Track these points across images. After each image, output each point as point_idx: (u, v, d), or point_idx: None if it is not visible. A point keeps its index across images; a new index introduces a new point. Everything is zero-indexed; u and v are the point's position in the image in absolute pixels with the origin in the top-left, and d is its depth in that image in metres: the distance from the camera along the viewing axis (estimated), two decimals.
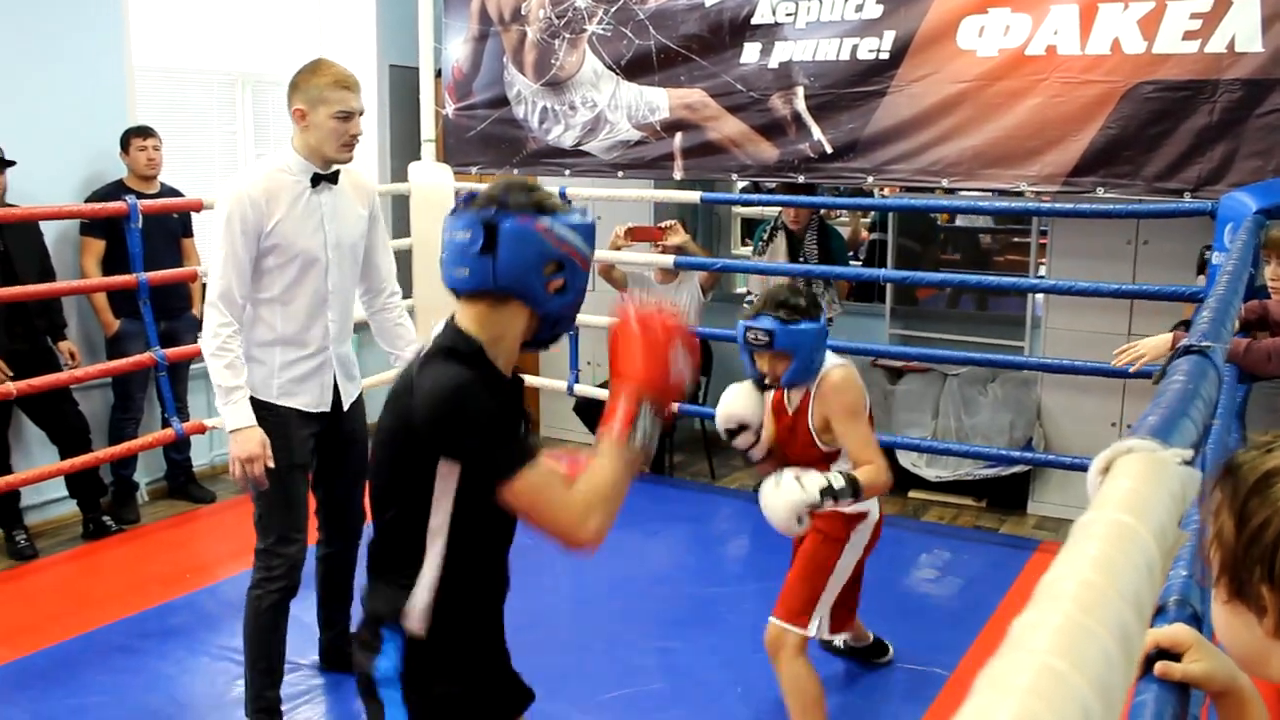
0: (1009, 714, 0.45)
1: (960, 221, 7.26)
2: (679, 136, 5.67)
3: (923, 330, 6.21)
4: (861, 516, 3.28)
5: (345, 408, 3.45)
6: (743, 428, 3.25)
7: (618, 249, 5.87)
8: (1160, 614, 1.56)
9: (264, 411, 3.20)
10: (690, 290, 6.04)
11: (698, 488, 5.97)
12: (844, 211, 7.26)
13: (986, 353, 5.45)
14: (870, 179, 5.28)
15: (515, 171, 6.21)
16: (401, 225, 6.54)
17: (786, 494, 2.91)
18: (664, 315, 1.93)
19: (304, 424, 3.33)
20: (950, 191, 5.58)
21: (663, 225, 5.85)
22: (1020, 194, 5.12)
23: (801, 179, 5.43)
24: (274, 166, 3.22)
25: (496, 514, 1.88)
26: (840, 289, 5.89)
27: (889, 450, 5.66)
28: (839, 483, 2.94)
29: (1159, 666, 1.08)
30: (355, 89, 3.22)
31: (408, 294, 6.36)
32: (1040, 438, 5.52)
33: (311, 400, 3.34)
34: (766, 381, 3.16)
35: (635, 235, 5.86)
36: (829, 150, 5.28)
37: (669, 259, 5.76)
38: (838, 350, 5.59)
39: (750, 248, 6.53)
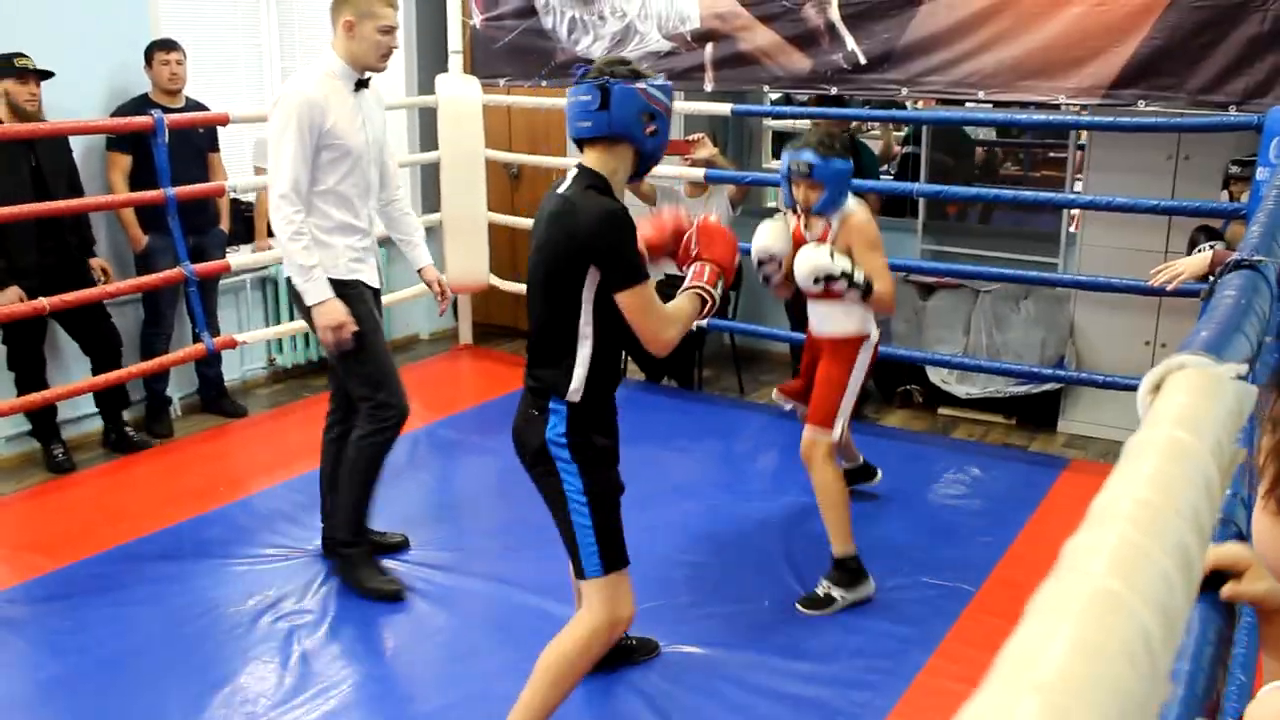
0: (1065, 638, 0.42)
1: (981, 133, 7.13)
2: (710, 47, 5.56)
3: (955, 246, 6.12)
4: (864, 338, 3.82)
5: (380, 285, 3.86)
6: (771, 258, 3.75)
7: None
8: None
9: (341, 288, 3.60)
10: (720, 204, 5.97)
11: (726, 403, 5.95)
12: (875, 125, 7.13)
13: (1019, 269, 5.37)
14: (904, 91, 5.17)
15: (544, 84, 6.11)
16: (429, 138, 6.50)
17: (818, 256, 3.53)
18: (716, 224, 2.86)
19: (370, 294, 3.75)
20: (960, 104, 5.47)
21: (690, 139, 5.76)
22: (1057, 107, 5.00)
23: (834, 91, 5.32)
24: (324, 72, 3.58)
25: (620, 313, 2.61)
26: (872, 203, 5.80)
27: (919, 368, 5.64)
28: (858, 276, 3.56)
29: (1228, 589, 1.06)
30: (396, 6, 3.62)
31: (436, 206, 6.33)
32: (1072, 355, 5.46)
33: (370, 275, 3.76)
34: (799, 208, 3.70)
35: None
36: (863, 61, 5.17)
37: (699, 172, 5.68)
38: None
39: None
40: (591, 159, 2.67)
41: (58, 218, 4.78)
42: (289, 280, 3.64)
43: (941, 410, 5.74)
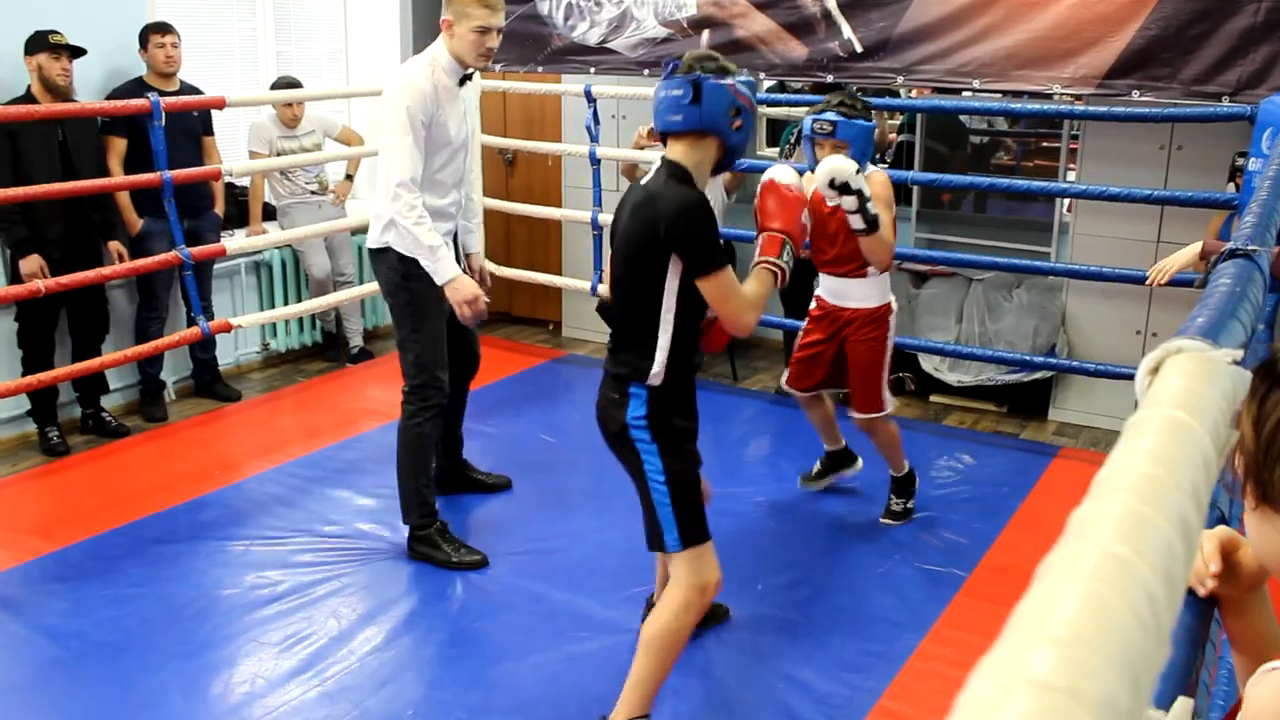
0: (1074, 597, 0.45)
1: (975, 122, 7.15)
2: (706, 34, 5.58)
3: (949, 234, 6.15)
4: (889, 309, 4.03)
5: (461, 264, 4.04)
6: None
7: (640, 148, 5.81)
8: None
9: (417, 267, 3.73)
10: (714, 192, 5.98)
11: (720, 389, 5.99)
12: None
13: (1012, 258, 5.41)
14: (900, 79, 5.19)
15: (540, 69, 6.12)
16: None
17: (842, 162, 3.54)
18: (796, 188, 2.86)
19: None
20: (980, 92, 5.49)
21: None
22: (1050, 96, 5.03)
23: (830, 79, 5.34)
24: (435, 66, 3.74)
25: (701, 299, 2.71)
26: None
27: (911, 355, 5.67)
28: (872, 209, 3.63)
29: (1225, 534, 1.11)
30: (495, 8, 3.71)
31: None
32: (1064, 344, 5.50)
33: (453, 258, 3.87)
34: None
35: (657, 136, 5.79)
36: (859, 49, 5.19)
37: None
38: None
39: (776, 150, 6.45)
40: (677, 151, 2.75)
41: (82, 197, 4.83)
42: (372, 254, 3.87)
43: (933, 398, 5.78)
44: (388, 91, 3.76)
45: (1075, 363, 5.20)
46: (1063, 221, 5.77)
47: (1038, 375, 5.48)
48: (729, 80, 2.70)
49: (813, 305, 4.23)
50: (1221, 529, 1.25)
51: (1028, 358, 5.32)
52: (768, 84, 6.63)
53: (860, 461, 4.55)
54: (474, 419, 5.30)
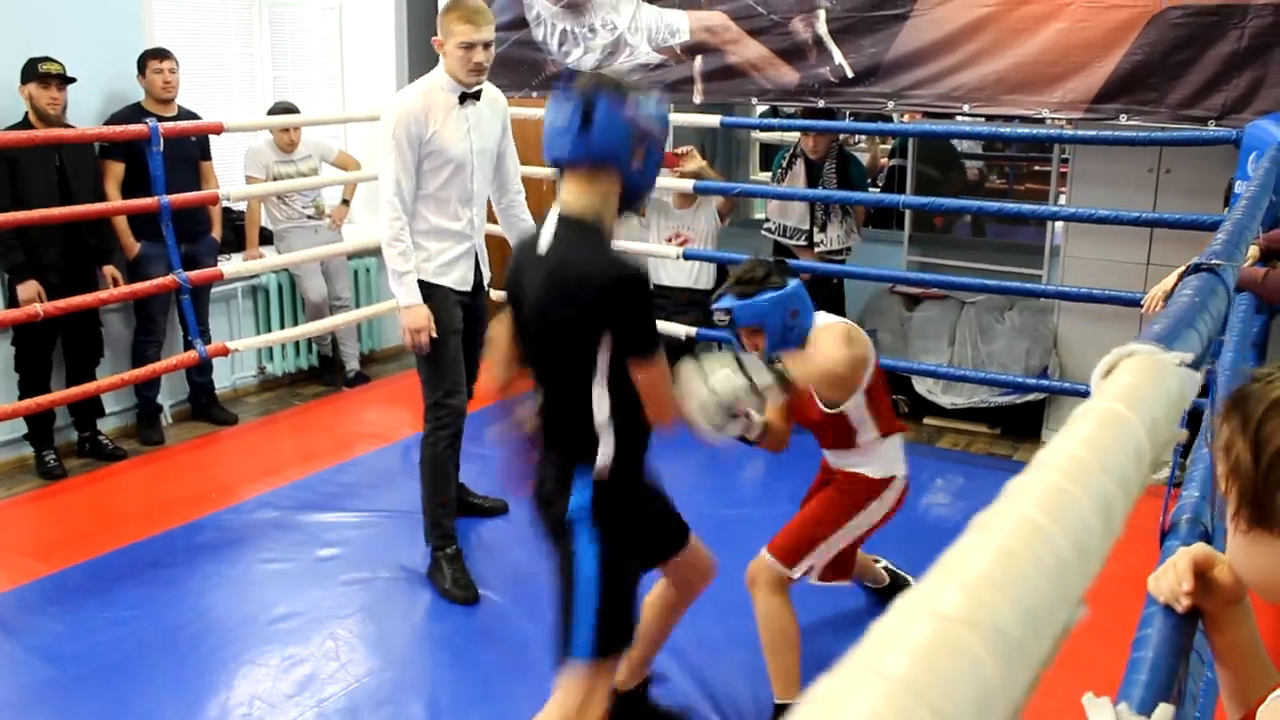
0: (990, 550, 0.51)
1: (967, 146, 7.25)
2: (699, 60, 5.67)
3: (941, 257, 6.23)
4: (888, 482, 3.24)
5: (483, 286, 4.12)
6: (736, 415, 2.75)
7: None
8: (1172, 531, 1.62)
9: (423, 289, 3.85)
10: (708, 215, 6.07)
11: None
12: (863, 138, 7.24)
13: (1004, 280, 5.48)
14: (891, 104, 5.28)
15: (534, 94, 6.21)
16: None
17: (704, 401, 2.52)
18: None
19: (454, 298, 3.97)
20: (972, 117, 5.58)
21: (679, 151, 5.86)
22: (1042, 120, 5.11)
23: (822, 104, 5.43)
24: (431, 84, 3.84)
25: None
26: (858, 215, 5.91)
27: (904, 378, 5.73)
28: (770, 382, 2.59)
29: (1200, 553, 1.16)
30: (479, 23, 3.76)
31: None
32: (1056, 366, 5.57)
33: (457, 279, 3.97)
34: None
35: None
36: (850, 75, 5.28)
37: (688, 183, 5.78)
38: (855, 276, 5.60)
39: (769, 174, 6.53)
40: (572, 193, 2.36)
41: (79, 222, 4.91)
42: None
43: (927, 420, 5.84)
44: (384, 112, 3.88)
45: (1067, 384, 5.26)
46: (1054, 244, 5.84)
47: (1030, 397, 5.54)
48: (629, 102, 2.29)
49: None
50: (1198, 546, 1.28)
51: (1020, 380, 5.38)
52: (760, 109, 6.72)
53: (911, 580, 3.86)
54: (471, 442, 5.35)
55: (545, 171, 6.30)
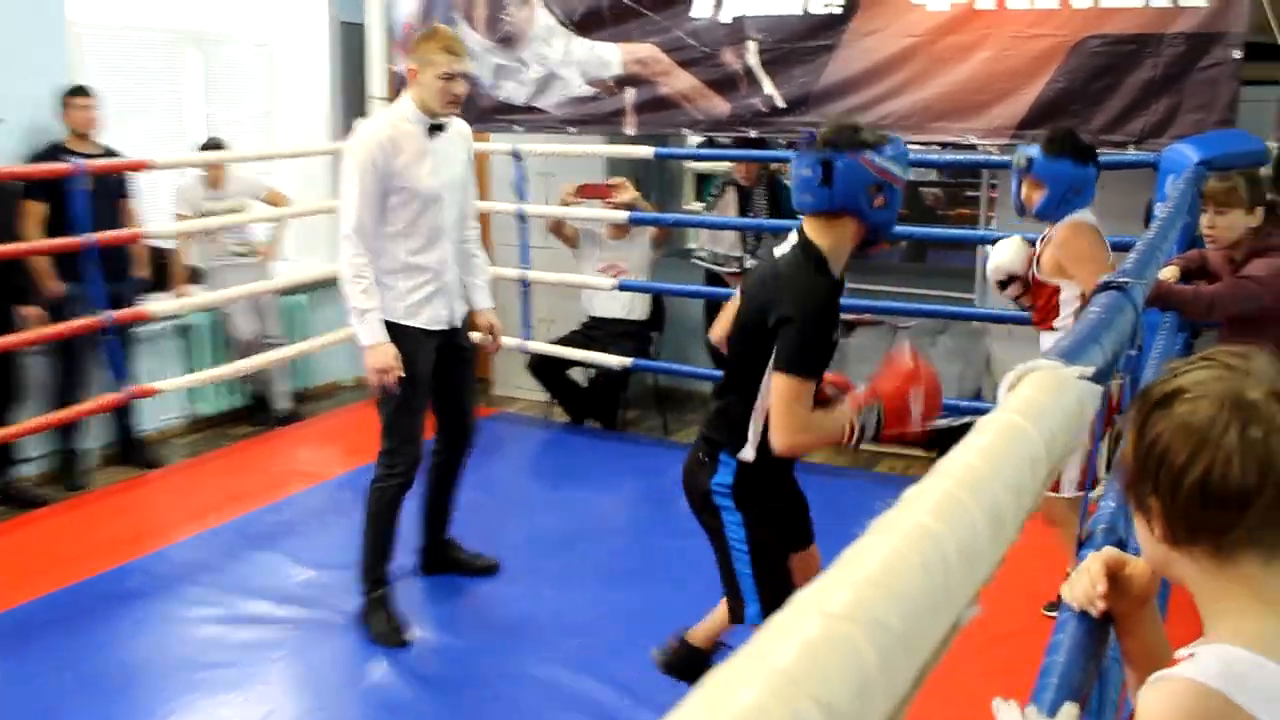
0: (882, 551, 0.54)
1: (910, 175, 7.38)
2: (631, 92, 5.73)
3: (877, 284, 6.32)
4: None
5: (458, 325, 3.98)
6: (1012, 279, 3.86)
7: (567, 204, 5.95)
8: (1089, 540, 1.68)
9: (393, 330, 3.73)
10: (642, 246, 6.13)
11: (651, 442, 6.08)
12: None
13: (936, 305, 5.57)
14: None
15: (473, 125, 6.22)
16: None
17: (1007, 255, 3.76)
18: (928, 369, 2.72)
19: (426, 340, 3.86)
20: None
21: (611, 183, 5.93)
22: (973, 147, 5.22)
23: (754, 133, 5.51)
24: (398, 116, 3.76)
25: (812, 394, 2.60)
26: None
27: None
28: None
29: (1110, 554, 1.21)
30: (460, 54, 3.74)
31: None
32: (990, 388, 5.67)
33: (429, 319, 3.85)
34: (1025, 207, 3.68)
35: (584, 192, 5.94)
36: (781, 104, 5.36)
37: (622, 214, 5.83)
38: None
39: (702, 204, 6.61)
40: (812, 230, 2.64)
41: None
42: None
43: (863, 445, 5.89)
44: (348, 144, 3.82)
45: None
46: (985, 268, 5.95)
47: (966, 419, 5.62)
48: (866, 155, 2.54)
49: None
50: (1108, 549, 1.35)
51: (954, 402, 5.45)
52: (695, 139, 6.80)
53: None
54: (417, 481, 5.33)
55: (494, 205, 6.27)
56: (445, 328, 3.93)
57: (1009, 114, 4.91)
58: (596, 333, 6.17)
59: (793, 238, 2.69)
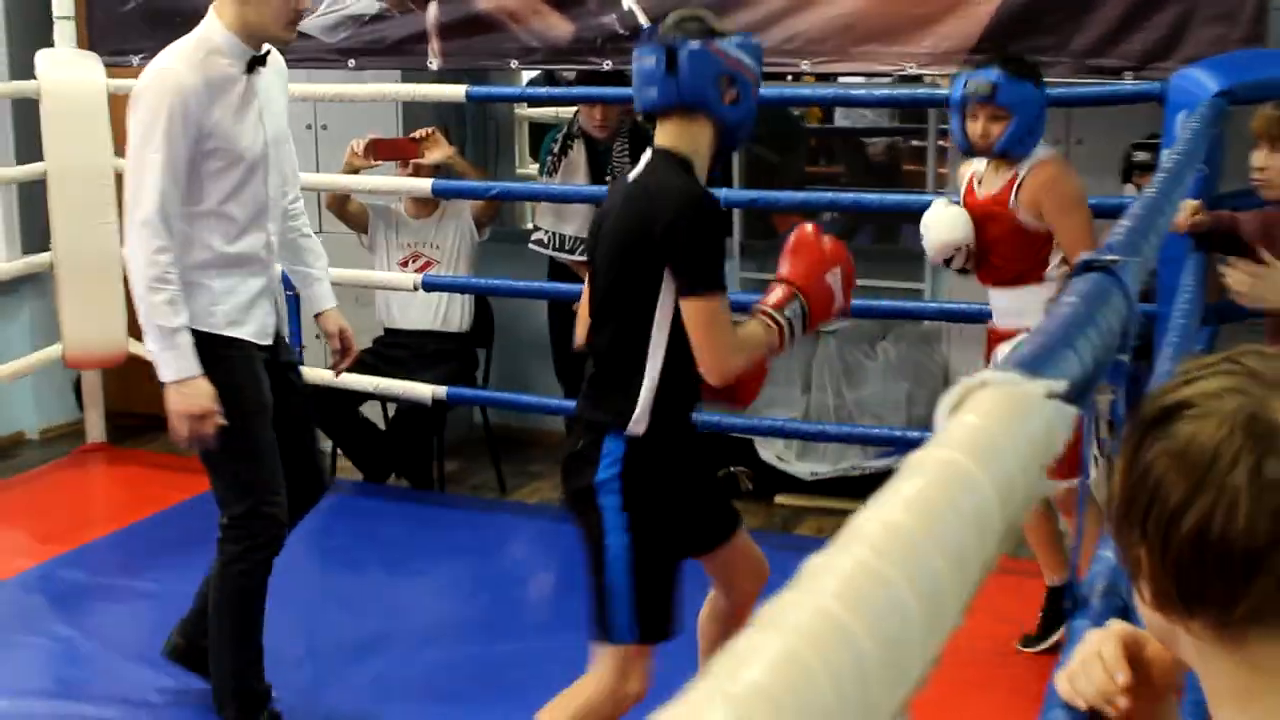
0: (771, 654, 0.55)
1: (840, 119, 7.51)
2: (434, 8, 5.71)
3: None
4: None
5: (281, 336, 4.08)
6: (956, 251, 4.31)
7: (355, 171, 5.89)
8: (1084, 608, 1.71)
9: (212, 347, 3.70)
10: (459, 226, 6.11)
11: (481, 506, 6.06)
12: None
13: (872, 298, 5.65)
14: None
15: None
16: (29, 143, 6.40)
17: (949, 231, 4.22)
18: (835, 243, 3.29)
19: (257, 355, 3.87)
20: (822, 78, 5.78)
21: (416, 135, 5.88)
22: (918, 79, 5.32)
23: (608, 65, 5.53)
24: (203, 48, 3.67)
25: None
26: None
27: (745, 441, 5.84)
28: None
29: (1126, 632, 1.23)
30: None
31: (43, 244, 6.26)
32: None
33: (258, 329, 3.87)
34: (977, 146, 4.19)
35: (380, 151, 5.88)
36: (644, 23, 5.39)
37: (425, 184, 5.79)
38: None
39: (536, 166, 6.60)
40: (666, 136, 3.12)
41: None
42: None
43: (779, 498, 5.96)
44: (133, 95, 3.69)
45: None
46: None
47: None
48: (716, 43, 3.05)
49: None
50: (1117, 625, 1.35)
51: (902, 434, 5.52)
52: (528, 76, 6.81)
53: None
54: (120, 575, 5.21)
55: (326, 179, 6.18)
56: (271, 341, 3.97)
57: (960, 33, 5.00)
58: (398, 352, 6.13)
59: (646, 157, 3.14)
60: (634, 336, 3.07)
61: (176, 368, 3.61)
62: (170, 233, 3.60)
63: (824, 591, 0.61)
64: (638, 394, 3.05)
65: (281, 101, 3.97)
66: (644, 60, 3.08)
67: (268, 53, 3.80)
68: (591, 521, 3.11)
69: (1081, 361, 1.22)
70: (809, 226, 3.31)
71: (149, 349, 3.68)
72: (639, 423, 3.05)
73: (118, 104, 6.28)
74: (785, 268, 3.21)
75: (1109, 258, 1.54)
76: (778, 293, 3.15)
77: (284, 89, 4.01)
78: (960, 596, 0.71)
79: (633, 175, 3.18)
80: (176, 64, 3.64)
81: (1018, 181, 4.17)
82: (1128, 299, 1.52)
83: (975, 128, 4.13)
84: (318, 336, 6.34)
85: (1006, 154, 4.16)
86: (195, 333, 3.66)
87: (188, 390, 3.62)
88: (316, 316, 4.23)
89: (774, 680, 0.53)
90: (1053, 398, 1.02)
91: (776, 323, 3.09)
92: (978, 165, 4.37)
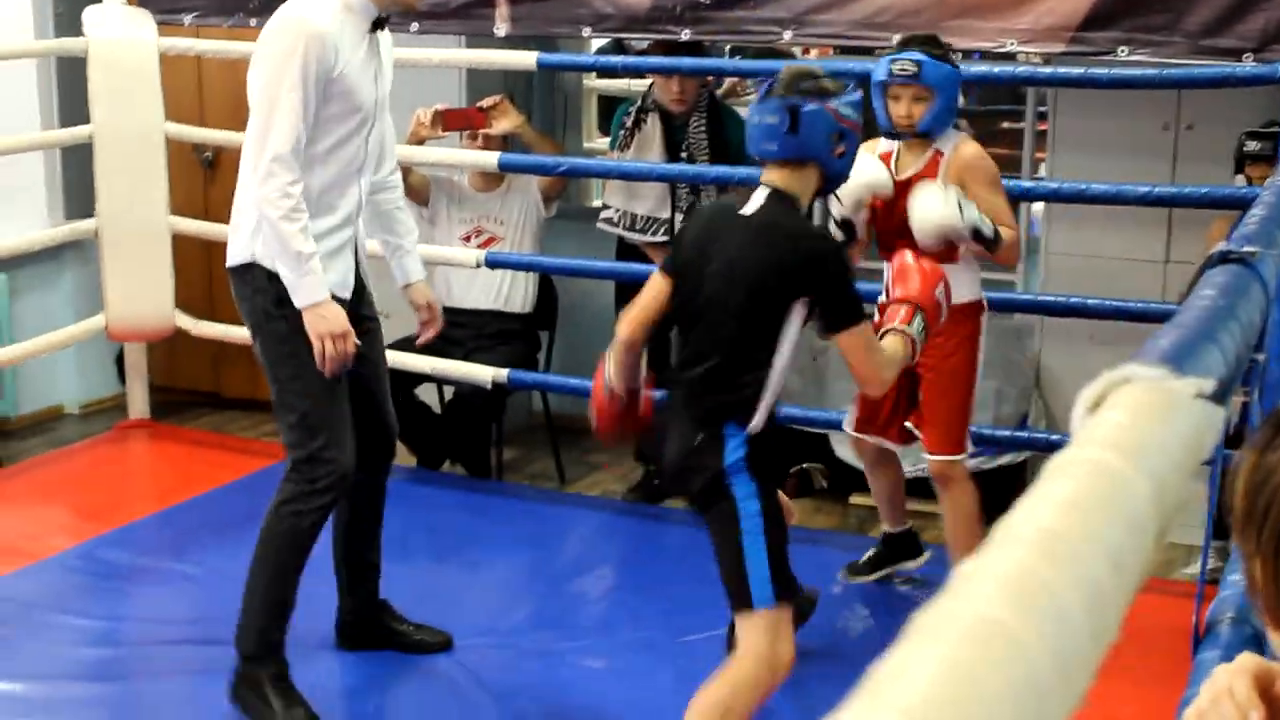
0: (933, 665, 0.53)
1: None
2: None
3: (869, 259, 6.35)
4: (980, 305, 4.63)
5: (365, 293, 4.30)
6: (874, 198, 4.56)
7: (420, 142, 5.88)
8: (1209, 638, 1.67)
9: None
10: (525, 201, 6.09)
11: (539, 496, 6.05)
12: (750, 85, 7.37)
13: None
14: (788, 34, 5.37)
15: (252, 22, 6.14)
16: (74, 105, 6.43)
17: (944, 208, 4.24)
18: (934, 263, 3.87)
19: (345, 307, 4.07)
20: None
21: (483, 105, 5.87)
22: (1012, 57, 5.26)
23: (687, 34, 5.50)
24: (339, 2, 3.95)
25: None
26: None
27: (819, 437, 5.81)
28: (987, 228, 4.28)
29: (1258, 666, 1.20)
30: None
31: (87, 210, 6.29)
32: (1040, 412, 5.71)
33: (339, 279, 4.09)
34: (899, 126, 4.44)
35: (448, 121, 5.87)
36: None
37: (491, 157, 5.78)
38: None
39: (608, 140, 6.57)
40: (779, 178, 3.61)
41: None
42: (233, 274, 4.08)
43: (854, 499, 5.92)
44: (265, 34, 3.97)
45: (1057, 436, 5.38)
46: (1030, 235, 6.01)
47: (1004, 459, 5.65)
48: (830, 103, 3.54)
49: (880, 298, 4.54)
50: (1248, 658, 1.32)
51: (989, 432, 5.48)
52: (597, 44, 6.78)
53: (927, 553, 5.10)
54: (163, 556, 5.24)
55: None
56: (351, 294, 4.16)
57: (1065, 9, 4.94)
58: (456, 332, 6.11)
59: (763, 192, 3.60)
60: (759, 352, 3.55)
61: (311, 292, 3.90)
62: (300, 166, 3.88)
63: (984, 598, 0.60)
64: (759, 399, 3.54)
65: (390, 69, 4.25)
66: (766, 117, 3.55)
67: (389, 17, 4.15)
68: (724, 501, 3.53)
69: (1225, 358, 1.20)
70: (909, 254, 3.90)
71: (284, 276, 3.90)
72: (759, 422, 3.54)
73: (169, 64, 6.33)
74: (901, 290, 3.76)
75: (1248, 249, 1.51)
76: (902, 312, 3.67)
77: (391, 59, 4.29)
78: (1119, 605, 0.69)
79: (750, 210, 3.60)
80: (311, 11, 3.90)
81: (944, 159, 4.46)
82: (1266, 290, 1.49)
83: (899, 108, 4.41)
84: (385, 314, 6.43)
85: (929, 133, 4.44)
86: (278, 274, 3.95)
87: (325, 312, 3.91)
88: (405, 288, 4.52)
89: (941, 692, 0.51)
90: (1201, 397, 1.00)
91: (909, 337, 3.62)
92: (887, 145, 4.57)
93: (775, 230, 3.56)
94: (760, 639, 3.51)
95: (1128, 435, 0.87)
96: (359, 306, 4.22)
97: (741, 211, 3.63)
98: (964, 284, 4.39)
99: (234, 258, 4.07)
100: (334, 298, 4.00)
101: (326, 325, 3.91)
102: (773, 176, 3.63)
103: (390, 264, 4.51)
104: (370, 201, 4.34)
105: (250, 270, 4.01)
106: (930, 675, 0.54)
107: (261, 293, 4.00)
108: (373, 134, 4.15)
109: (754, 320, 3.57)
